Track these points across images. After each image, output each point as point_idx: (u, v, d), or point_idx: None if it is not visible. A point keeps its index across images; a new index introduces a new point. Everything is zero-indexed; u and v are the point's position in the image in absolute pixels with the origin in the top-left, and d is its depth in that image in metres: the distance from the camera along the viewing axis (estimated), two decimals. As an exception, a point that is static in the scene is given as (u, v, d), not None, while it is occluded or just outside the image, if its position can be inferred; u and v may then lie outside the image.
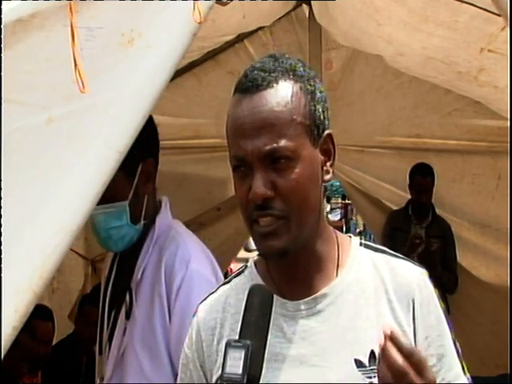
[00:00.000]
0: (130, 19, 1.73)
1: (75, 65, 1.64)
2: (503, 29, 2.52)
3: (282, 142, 1.31)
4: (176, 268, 2.11)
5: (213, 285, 2.03)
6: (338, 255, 1.42)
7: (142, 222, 2.23)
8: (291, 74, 1.36)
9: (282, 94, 1.34)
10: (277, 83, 1.34)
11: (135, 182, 2.22)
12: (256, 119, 1.32)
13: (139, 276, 2.19)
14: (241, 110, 1.34)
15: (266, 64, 1.37)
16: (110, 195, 2.08)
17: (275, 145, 1.31)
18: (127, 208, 2.19)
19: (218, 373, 1.39)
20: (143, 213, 2.23)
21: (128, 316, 2.19)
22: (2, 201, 1.59)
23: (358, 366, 1.34)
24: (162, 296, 2.13)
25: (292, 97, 1.34)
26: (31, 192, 1.64)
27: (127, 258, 2.28)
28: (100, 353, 2.33)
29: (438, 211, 4.94)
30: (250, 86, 1.34)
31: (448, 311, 4.81)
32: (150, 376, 2.16)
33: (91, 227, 2.21)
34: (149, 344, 2.15)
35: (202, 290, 2.01)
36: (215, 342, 1.43)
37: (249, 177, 1.33)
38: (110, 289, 2.32)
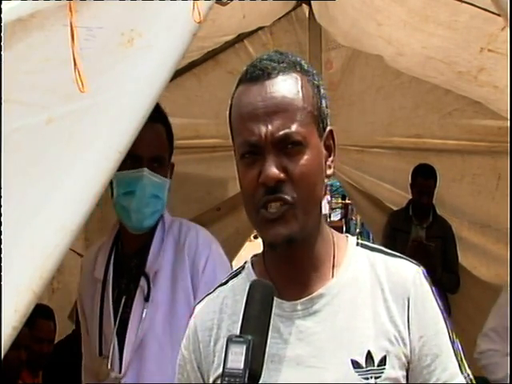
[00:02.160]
0: (129, 19, 1.73)
1: (75, 64, 1.64)
2: (503, 29, 2.52)
3: (295, 127, 1.33)
4: (200, 250, 2.28)
5: (229, 265, 2.34)
6: (334, 254, 1.42)
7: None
8: (298, 67, 1.39)
9: (292, 82, 1.36)
10: (286, 73, 1.36)
11: (168, 172, 2.37)
12: (269, 104, 1.33)
13: (158, 262, 2.28)
14: (252, 96, 1.34)
15: (273, 56, 1.39)
16: (160, 169, 2.30)
17: (288, 130, 1.32)
18: (167, 186, 2.34)
19: (215, 374, 1.39)
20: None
21: (147, 299, 2.26)
22: (2, 201, 1.58)
23: (354, 367, 1.33)
24: (186, 280, 2.25)
25: (302, 87, 1.36)
26: (31, 192, 1.64)
27: (137, 249, 2.34)
28: (100, 353, 2.33)
29: (438, 211, 4.94)
30: (260, 73, 1.35)
31: (449, 311, 4.78)
32: (171, 361, 2.19)
33: (133, 197, 2.27)
34: (171, 329, 2.22)
35: (223, 267, 2.28)
36: (212, 343, 1.42)
37: (257, 163, 1.33)
38: (110, 285, 2.34)
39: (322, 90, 1.40)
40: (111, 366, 2.28)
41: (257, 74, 1.36)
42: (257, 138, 1.32)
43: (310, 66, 1.43)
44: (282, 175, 1.31)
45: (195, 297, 2.22)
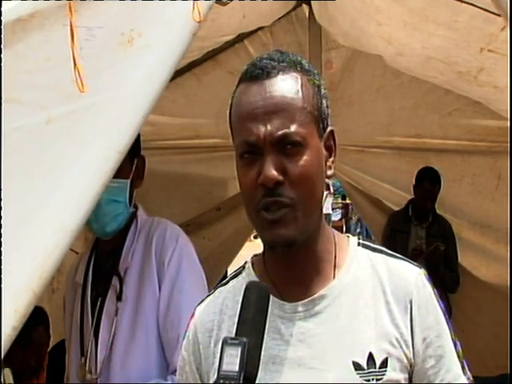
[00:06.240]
0: (129, 19, 1.73)
1: (74, 64, 1.64)
2: (503, 29, 2.52)
3: (294, 128, 1.32)
4: (166, 243, 2.28)
5: (197, 260, 2.30)
6: (335, 255, 1.42)
7: (131, 208, 2.37)
8: (299, 66, 1.38)
9: (292, 82, 1.35)
10: (286, 72, 1.36)
11: (133, 168, 2.35)
12: (268, 104, 1.32)
13: (129, 260, 2.31)
14: (252, 96, 1.34)
15: (273, 55, 1.39)
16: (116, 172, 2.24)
17: (287, 130, 1.31)
18: (128, 186, 2.33)
19: (215, 376, 1.38)
20: (133, 201, 2.38)
21: (120, 298, 2.29)
22: (2, 200, 1.59)
23: (356, 369, 1.33)
24: (153, 273, 2.26)
25: (302, 86, 1.35)
26: (31, 192, 1.64)
27: (111, 250, 2.38)
28: (82, 354, 2.34)
29: (438, 211, 4.94)
30: (260, 73, 1.35)
31: (450, 311, 4.77)
32: (134, 357, 2.24)
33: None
34: (135, 324, 2.26)
35: (189, 261, 2.27)
36: (212, 345, 1.42)
37: (256, 163, 1.32)
38: (89, 288, 2.39)
39: (322, 90, 1.40)
40: (89, 366, 2.30)
41: (256, 73, 1.35)
42: (255, 138, 1.32)
43: (311, 66, 1.42)
44: (280, 177, 1.30)
45: (160, 289, 2.25)
